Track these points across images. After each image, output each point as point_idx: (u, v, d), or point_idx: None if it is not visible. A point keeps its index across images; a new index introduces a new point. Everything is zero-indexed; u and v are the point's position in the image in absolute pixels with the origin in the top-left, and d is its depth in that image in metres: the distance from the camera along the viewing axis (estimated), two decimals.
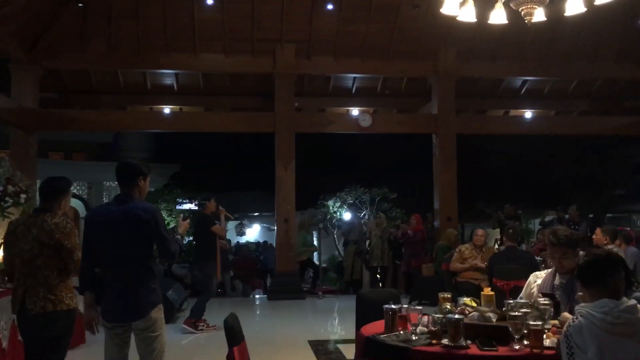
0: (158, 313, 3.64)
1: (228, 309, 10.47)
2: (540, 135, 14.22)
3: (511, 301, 3.50)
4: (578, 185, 22.09)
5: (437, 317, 3.06)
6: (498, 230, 14.64)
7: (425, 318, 3.27)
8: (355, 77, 12.85)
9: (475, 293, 7.93)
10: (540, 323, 2.95)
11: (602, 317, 2.47)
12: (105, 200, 24.45)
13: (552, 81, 13.16)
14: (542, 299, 3.41)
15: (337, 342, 7.24)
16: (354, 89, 13.25)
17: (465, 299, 3.62)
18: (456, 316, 2.94)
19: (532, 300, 3.44)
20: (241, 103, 12.97)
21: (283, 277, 11.41)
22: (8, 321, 5.33)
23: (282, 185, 11.62)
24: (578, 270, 2.77)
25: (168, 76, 12.44)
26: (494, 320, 3.11)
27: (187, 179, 25.35)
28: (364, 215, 15.70)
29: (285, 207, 11.58)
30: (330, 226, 11.78)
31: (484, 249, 8.07)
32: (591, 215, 20.01)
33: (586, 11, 4.84)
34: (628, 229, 8.33)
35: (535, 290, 4.05)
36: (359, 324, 4.34)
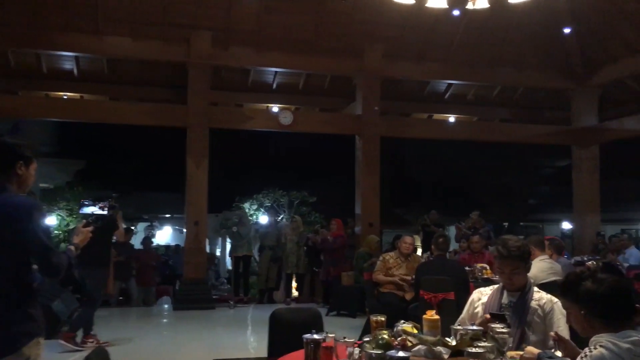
0: (34, 349, 2.65)
1: (126, 320, 9.40)
2: (462, 142, 14.07)
3: (459, 327, 2.85)
4: (495, 194, 22.41)
5: (375, 353, 2.34)
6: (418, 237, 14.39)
7: (356, 351, 2.55)
8: (276, 72, 12.09)
9: (399, 305, 7.41)
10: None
11: (628, 348, 1.95)
12: None
13: (476, 86, 13.00)
14: (498, 325, 2.78)
15: None
16: (274, 85, 12.49)
17: (404, 324, 2.92)
18: (401, 354, 2.22)
19: (487, 327, 2.80)
20: (151, 94, 11.86)
21: (192, 285, 10.44)
22: None
23: (193, 184, 10.65)
24: (602, 303, 2.14)
25: (67, 59, 11.15)
26: (446, 356, 2.44)
27: (93, 176, 23.68)
28: (282, 219, 14.98)
29: (196, 209, 10.62)
30: (245, 231, 10.90)
31: (409, 258, 7.53)
32: (506, 224, 20.30)
33: (512, 18, 4.36)
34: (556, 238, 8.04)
35: (480, 309, 3.43)
36: (273, 350, 3.57)
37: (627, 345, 1.94)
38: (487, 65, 11.96)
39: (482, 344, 2.37)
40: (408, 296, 7.26)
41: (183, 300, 10.29)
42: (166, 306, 11.44)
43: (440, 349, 2.45)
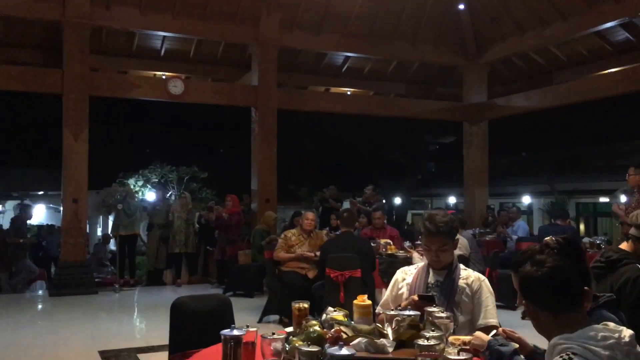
0: None
1: None
2: (353, 117, 13.94)
3: (393, 312, 2.52)
4: (386, 169, 22.77)
5: (309, 351, 1.92)
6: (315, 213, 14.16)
7: (277, 346, 2.13)
8: (164, 37, 11.20)
9: (301, 284, 7.08)
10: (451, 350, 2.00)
11: (610, 355, 1.51)
12: None
13: (372, 60, 12.88)
14: (436, 309, 2.47)
15: (137, 350, 5.80)
16: (162, 51, 11.59)
17: (333, 312, 2.53)
18: (344, 351, 1.82)
19: (420, 311, 2.48)
20: (20, 56, 10.54)
21: (70, 267, 9.47)
22: None
23: (71, 157, 9.61)
24: (541, 289, 1.66)
25: None
26: (390, 349, 2.08)
27: None
28: (171, 195, 14.15)
29: (75, 185, 9.62)
30: (130, 208, 10.05)
31: (312, 235, 7.22)
32: (399, 200, 20.73)
33: None
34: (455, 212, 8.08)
35: (404, 290, 3.13)
36: (176, 345, 3.06)
37: (606, 353, 1.49)
38: (383, 39, 11.84)
39: (430, 333, 2.03)
40: (311, 274, 6.96)
41: (61, 285, 9.32)
42: (40, 292, 10.38)
43: (383, 341, 2.09)
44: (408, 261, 6.53)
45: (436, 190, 24.53)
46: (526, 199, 19.87)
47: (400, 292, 3.17)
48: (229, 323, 3.23)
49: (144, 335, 6.72)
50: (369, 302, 2.61)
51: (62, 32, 9.66)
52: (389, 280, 6.52)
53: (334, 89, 13.26)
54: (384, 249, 6.85)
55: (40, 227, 18.85)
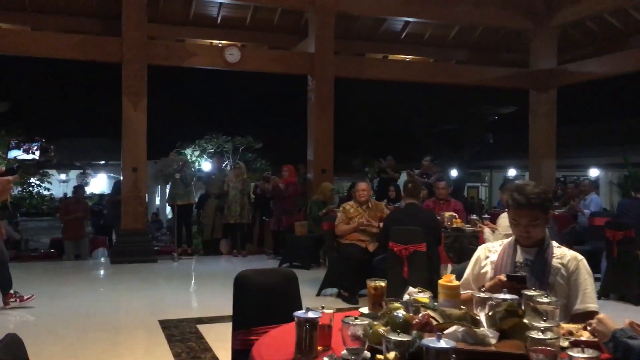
0: None
1: (58, 275, 8.49)
2: (415, 86, 13.45)
3: (484, 294, 2.23)
4: (442, 140, 22.19)
5: (400, 340, 1.68)
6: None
7: (358, 331, 1.88)
8: (221, 4, 11.00)
9: (361, 256, 6.86)
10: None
11: None
12: None
13: (433, 26, 12.33)
14: (538, 294, 2.17)
15: (196, 321, 5.73)
16: (219, 19, 11.40)
17: (415, 294, 2.27)
18: (442, 343, 1.57)
19: (525, 298, 2.18)
20: (79, 25, 10.56)
21: (131, 236, 9.57)
22: None
23: (130, 127, 9.64)
24: None
25: None
26: (493, 340, 1.81)
27: (19, 119, 21.96)
28: (226, 165, 14.14)
29: (134, 154, 9.65)
30: (187, 177, 10.01)
31: (370, 206, 6.95)
32: (456, 171, 20.15)
33: None
34: None
35: (488, 269, 2.84)
36: (240, 321, 2.89)
37: None
38: (445, 2, 11.27)
39: (541, 323, 1.75)
40: (371, 247, 6.72)
41: (121, 253, 9.43)
42: (102, 259, 10.56)
43: (484, 331, 1.82)
44: (475, 236, 6.20)
45: (495, 162, 23.75)
46: (594, 172, 18.92)
47: (483, 270, 2.88)
48: (295, 299, 3.05)
49: (203, 306, 6.65)
50: (456, 282, 2.34)
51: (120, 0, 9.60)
52: (455, 256, 6.29)
53: (392, 57, 12.80)
54: (449, 223, 6.52)
55: (101, 196, 19.33)
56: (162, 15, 10.99)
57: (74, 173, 28.58)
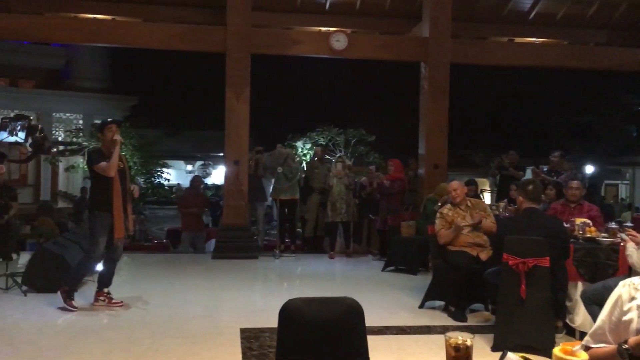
0: None
1: (156, 268, 8.36)
2: (537, 73, 12.05)
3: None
4: (576, 132, 20.14)
5: None
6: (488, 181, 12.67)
7: None
8: None
9: (471, 265, 5.96)
10: None
11: None
12: (55, 133, 21.99)
13: (568, 3, 10.88)
14: None
15: None
16: (327, 5, 10.82)
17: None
18: None
19: None
20: (186, 15, 10.46)
21: (232, 231, 9.31)
22: None
23: (232, 118, 9.37)
24: None
25: None
26: None
27: (146, 112, 23.05)
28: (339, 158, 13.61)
29: (235, 146, 9.37)
30: (291, 172, 9.54)
31: (469, 204, 6.06)
32: (591, 168, 18.19)
33: None
34: None
35: (635, 317, 1.96)
36: None
37: None
38: None
39: None
40: (484, 255, 5.83)
41: (222, 249, 9.19)
42: (203, 255, 10.43)
43: None
44: (615, 249, 5.08)
45: (638, 157, 21.21)
46: None
47: (625, 317, 2.01)
48: (359, 339, 2.35)
49: None
50: (583, 357, 1.51)
51: None
52: (587, 273, 5.18)
53: (518, 39, 11.50)
54: (580, 232, 5.41)
55: (218, 188, 19.70)
56: (268, 3, 10.62)
57: (199, 164, 29.74)
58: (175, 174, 24.37)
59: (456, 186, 6.08)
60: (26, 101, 21.58)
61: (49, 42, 9.61)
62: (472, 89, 20.98)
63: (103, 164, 5.63)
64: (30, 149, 1.97)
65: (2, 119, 2.03)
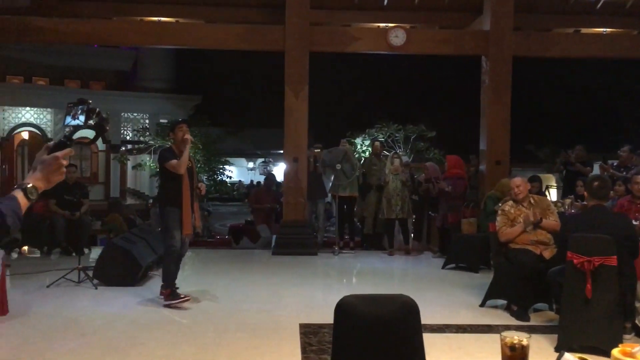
0: None
1: (218, 263, 8.59)
2: (614, 63, 11.55)
3: None
4: None
5: None
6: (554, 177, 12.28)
7: None
8: None
9: (535, 264, 5.80)
10: None
11: None
12: (123, 133, 22.88)
13: None
14: None
15: None
16: (385, 0, 10.75)
17: None
18: None
19: None
20: (246, 15, 10.63)
21: (291, 227, 9.43)
22: None
23: (292, 116, 9.49)
24: None
25: None
26: None
27: (209, 111, 23.59)
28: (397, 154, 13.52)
29: (294, 143, 9.48)
30: (350, 169, 9.54)
31: (532, 202, 5.90)
32: None
33: None
34: None
35: None
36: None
37: None
38: None
39: None
40: (547, 254, 5.68)
41: (282, 245, 9.33)
42: (264, 251, 10.60)
43: None
44: None
45: None
46: None
47: None
48: (414, 336, 2.35)
49: None
50: None
51: None
52: None
53: (585, 30, 11.08)
54: None
55: (277, 185, 19.96)
56: (327, 0, 10.65)
57: (259, 161, 30.29)
58: (236, 171, 24.98)
59: (519, 182, 5.95)
60: (96, 102, 21.59)
61: (118, 45, 10.06)
62: (537, 81, 20.37)
63: (174, 161, 5.81)
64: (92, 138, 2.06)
65: (67, 104, 2.18)
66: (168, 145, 6.30)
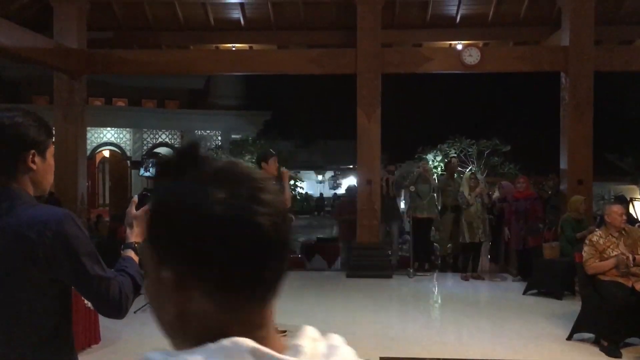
0: None
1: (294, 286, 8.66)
2: None
3: None
4: None
5: None
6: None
7: None
8: (460, 1, 10.23)
9: (626, 297, 5.54)
10: None
11: None
12: None
13: None
14: None
15: None
16: (458, 18, 10.63)
17: None
18: None
19: None
20: (318, 39, 10.79)
21: (365, 249, 9.42)
22: None
23: (364, 138, 9.50)
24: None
25: (233, 8, 10.50)
26: None
27: (279, 127, 23.98)
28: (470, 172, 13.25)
29: (368, 166, 9.48)
30: (426, 190, 9.42)
31: (624, 232, 5.62)
32: None
33: None
34: None
35: None
36: None
37: None
38: None
39: None
40: (639, 286, 5.40)
41: (357, 267, 9.33)
42: (339, 271, 10.61)
43: None
44: None
45: None
46: None
47: None
48: None
49: (433, 342, 6.02)
50: None
51: (356, 9, 9.50)
52: None
53: None
54: None
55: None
56: (399, 20, 10.66)
57: (329, 174, 30.47)
58: (306, 184, 25.26)
59: (620, 211, 5.70)
60: (172, 120, 23.40)
61: (195, 74, 10.40)
62: (619, 87, 19.47)
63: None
64: None
65: (142, 157, 2.34)
66: None
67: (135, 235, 1.97)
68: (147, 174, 2.29)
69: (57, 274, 1.69)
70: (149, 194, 2.05)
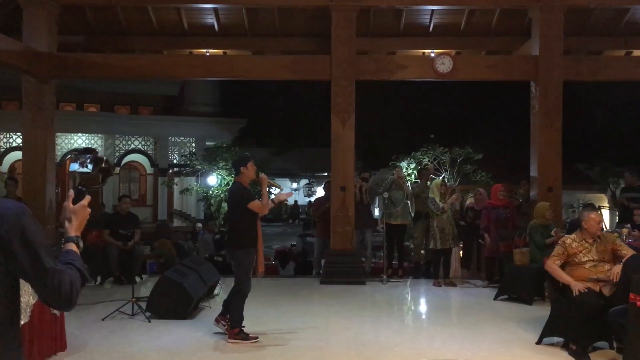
0: None
1: (260, 295, 8.60)
2: None
3: None
4: None
5: None
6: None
7: None
8: (433, 11, 10.35)
9: (594, 301, 5.60)
10: None
11: None
12: (170, 157, 23.35)
13: None
14: None
15: None
16: (431, 27, 10.75)
17: None
18: None
19: None
20: (293, 45, 10.81)
21: (339, 256, 9.41)
22: None
23: (338, 145, 9.52)
24: None
25: (207, 13, 10.46)
26: None
27: (254, 134, 23.89)
28: (443, 179, 13.37)
29: (342, 173, 9.49)
30: (399, 197, 9.47)
31: (598, 239, 5.69)
32: None
33: None
34: None
35: None
36: None
37: None
38: None
39: None
40: (607, 291, 5.48)
41: (330, 274, 9.31)
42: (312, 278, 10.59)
43: None
44: None
45: None
46: None
47: None
48: None
49: (408, 348, 6.02)
50: None
51: (330, 17, 9.54)
52: None
53: (637, 52, 10.82)
54: None
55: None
56: (373, 28, 10.73)
57: (303, 182, 30.48)
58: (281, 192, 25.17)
59: (598, 219, 5.74)
60: (145, 127, 23.15)
61: (169, 79, 10.35)
62: (587, 99, 19.90)
63: (257, 202, 5.71)
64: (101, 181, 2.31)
65: (72, 152, 2.35)
66: (235, 181, 6.03)
67: (74, 229, 2.00)
68: (84, 169, 2.29)
69: (13, 265, 1.70)
70: (84, 189, 2.06)
